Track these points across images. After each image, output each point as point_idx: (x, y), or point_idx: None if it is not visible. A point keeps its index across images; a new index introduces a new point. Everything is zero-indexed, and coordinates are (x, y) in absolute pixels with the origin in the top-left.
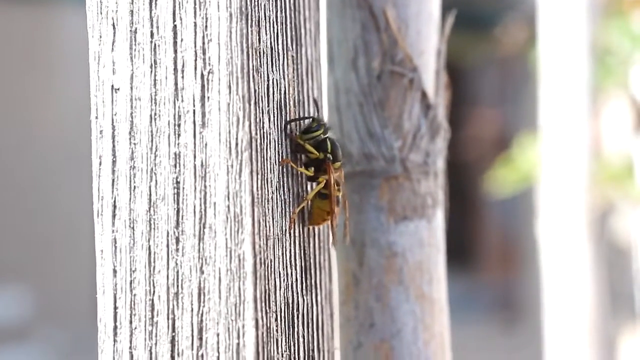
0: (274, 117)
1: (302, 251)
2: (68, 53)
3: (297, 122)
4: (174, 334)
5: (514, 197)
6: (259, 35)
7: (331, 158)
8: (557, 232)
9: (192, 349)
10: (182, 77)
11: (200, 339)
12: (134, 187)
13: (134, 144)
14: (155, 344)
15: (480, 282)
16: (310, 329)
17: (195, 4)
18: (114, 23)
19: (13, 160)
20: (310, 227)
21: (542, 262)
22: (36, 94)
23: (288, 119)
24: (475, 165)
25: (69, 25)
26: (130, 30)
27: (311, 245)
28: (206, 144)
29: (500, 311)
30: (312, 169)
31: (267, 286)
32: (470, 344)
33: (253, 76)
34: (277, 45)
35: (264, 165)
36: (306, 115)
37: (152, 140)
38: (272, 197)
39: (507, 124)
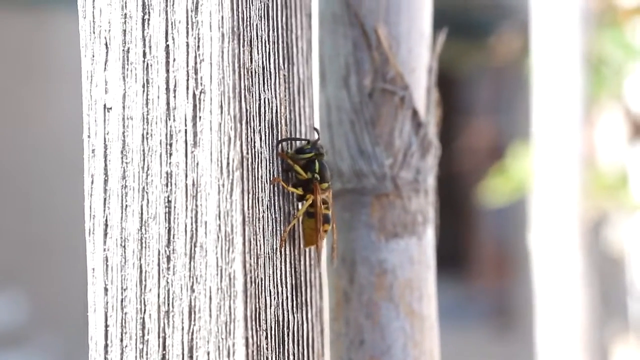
0: (265, 136)
1: (292, 269)
2: (65, 57)
3: (289, 144)
4: (164, 352)
5: (508, 207)
6: (251, 55)
7: (318, 178)
8: (550, 242)
9: None
10: (174, 96)
11: (191, 357)
12: (126, 205)
13: (126, 162)
14: None
15: (473, 290)
16: (300, 347)
17: (187, 24)
18: (106, 42)
19: (9, 164)
20: (301, 245)
21: (535, 271)
22: (33, 98)
23: (281, 138)
24: (468, 174)
25: (65, 30)
26: (123, 50)
27: (302, 263)
28: (198, 163)
29: (494, 319)
30: (301, 188)
31: (257, 304)
32: (464, 352)
33: (245, 96)
34: (269, 64)
35: (255, 185)
36: (299, 135)
37: (144, 160)
38: (263, 216)
39: (501, 133)
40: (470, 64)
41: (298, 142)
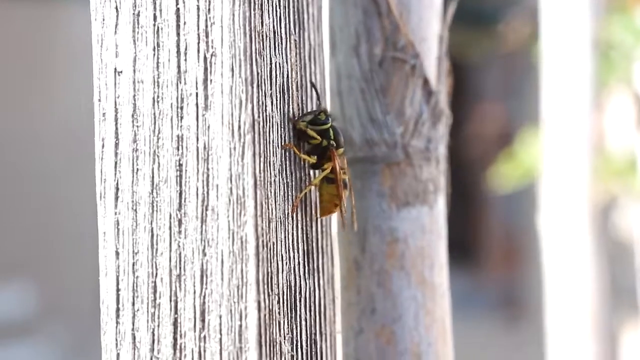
0: (276, 100)
1: (304, 235)
2: (70, 51)
3: (300, 110)
4: (176, 315)
5: (516, 195)
6: (262, 18)
7: (334, 145)
8: (559, 227)
9: (195, 331)
10: (185, 59)
11: (203, 320)
12: (137, 169)
13: (137, 126)
14: (158, 325)
15: (483, 279)
16: (312, 313)
17: None
18: (116, 6)
19: (16, 158)
20: (313, 212)
21: (544, 258)
22: (39, 93)
23: (291, 105)
24: (477, 160)
25: (71, 24)
26: (133, 13)
27: (313, 229)
28: (209, 127)
29: (503, 308)
30: (315, 157)
31: (269, 269)
32: (473, 341)
33: (256, 59)
34: (280, 28)
35: (266, 148)
36: (308, 99)
37: (154, 123)
38: (274, 180)
39: (510, 119)
40: (479, 50)
41: (310, 111)
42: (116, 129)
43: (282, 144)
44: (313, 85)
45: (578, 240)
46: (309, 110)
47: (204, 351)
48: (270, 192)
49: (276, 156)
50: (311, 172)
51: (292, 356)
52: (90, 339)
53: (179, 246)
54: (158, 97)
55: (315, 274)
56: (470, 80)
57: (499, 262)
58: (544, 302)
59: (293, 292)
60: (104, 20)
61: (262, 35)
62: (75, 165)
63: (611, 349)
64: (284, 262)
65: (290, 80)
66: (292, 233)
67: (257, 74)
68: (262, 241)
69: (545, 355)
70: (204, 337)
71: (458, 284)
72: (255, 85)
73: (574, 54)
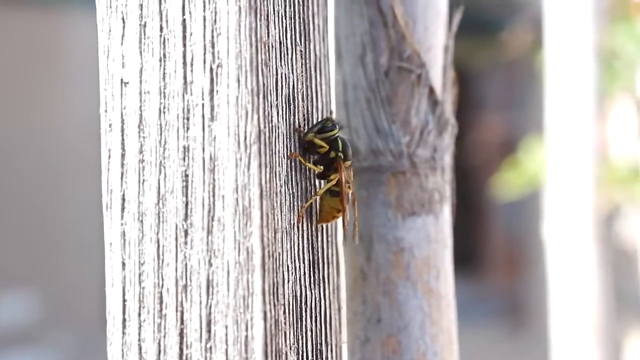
0: (282, 111)
1: (310, 245)
2: (75, 56)
3: (306, 120)
4: (182, 326)
5: (520, 204)
6: (268, 29)
7: (342, 156)
8: (563, 235)
9: (201, 342)
10: (191, 70)
11: (209, 331)
12: (143, 180)
13: (143, 137)
14: (164, 336)
15: (486, 286)
16: (318, 323)
17: None
18: (123, 17)
19: (20, 164)
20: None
21: (548, 265)
22: (43, 97)
23: (297, 124)
24: (481, 169)
25: (75, 28)
26: (140, 24)
27: (319, 239)
28: (215, 137)
29: (507, 315)
30: (322, 167)
31: (275, 279)
32: (477, 348)
33: (262, 70)
34: (286, 39)
35: (272, 159)
36: (314, 109)
37: (161, 134)
38: (280, 190)
39: (513, 128)
40: (482, 58)
41: (316, 122)
42: (122, 139)
43: (288, 154)
44: (331, 113)
45: (582, 248)
46: (314, 121)
47: None
48: (276, 203)
49: (282, 166)
50: (318, 182)
51: None
52: (93, 347)
53: (185, 257)
54: (164, 107)
55: (321, 284)
56: (473, 88)
57: (502, 270)
58: (548, 309)
59: (299, 302)
60: (110, 31)
61: (268, 46)
62: (81, 174)
63: (615, 356)
64: (290, 273)
65: (296, 91)
66: (298, 243)
67: (263, 84)
68: (268, 251)
69: None
70: (210, 347)
71: (461, 292)
72: (261, 95)
73: (577, 63)
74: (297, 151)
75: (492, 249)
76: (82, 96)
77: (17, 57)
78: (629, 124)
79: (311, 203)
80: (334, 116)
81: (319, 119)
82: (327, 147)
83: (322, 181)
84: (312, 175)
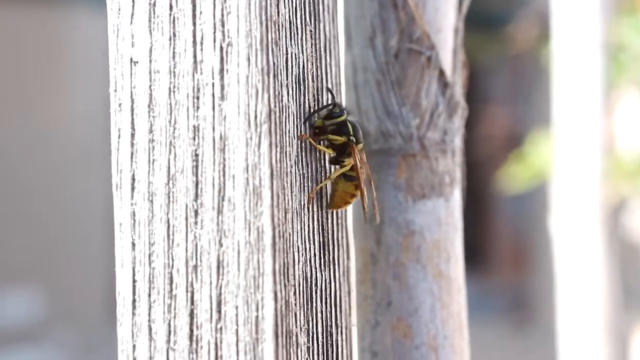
0: (292, 90)
1: (320, 227)
2: (78, 55)
3: (316, 101)
4: (192, 307)
5: (527, 195)
6: (278, 8)
7: (354, 140)
8: (570, 229)
9: (211, 322)
10: (201, 49)
11: (219, 311)
12: (153, 160)
13: (153, 116)
14: (174, 317)
15: (492, 281)
16: (328, 305)
17: None
18: None
19: (24, 162)
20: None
21: (555, 259)
22: (47, 95)
23: (307, 96)
24: (487, 163)
25: (79, 27)
26: (149, 3)
27: (329, 221)
28: (225, 117)
29: (513, 311)
30: (334, 151)
31: (285, 259)
32: (483, 345)
33: (272, 49)
34: (296, 19)
35: (282, 139)
36: (324, 90)
37: (170, 113)
38: (290, 170)
39: (520, 122)
40: (489, 53)
41: (322, 106)
42: (132, 119)
43: (298, 134)
44: (329, 90)
45: (589, 242)
46: (324, 102)
47: (220, 342)
48: (287, 183)
49: (292, 147)
50: (330, 166)
51: (308, 348)
52: (97, 344)
53: (195, 237)
54: (174, 87)
55: (331, 266)
56: (480, 82)
57: (508, 264)
58: (555, 304)
59: (309, 283)
60: (119, 10)
61: (278, 25)
62: (85, 172)
63: (622, 350)
64: (300, 254)
65: (306, 71)
66: (308, 224)
67: (274, 63)
68: (279, 232)
69: (555, 358)
70: (220, 328)
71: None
72: (271, 74)
73: (584, 56)
74: (307, 133)
75: (498, 243)
76: (86, 94)
77: (19, 56)
78: (636, 117)
79: (321, 187)
80: (337, 99)
81: (328, 101)
82: (341, 139)
83: (335, 166)
84: (322, 157)
